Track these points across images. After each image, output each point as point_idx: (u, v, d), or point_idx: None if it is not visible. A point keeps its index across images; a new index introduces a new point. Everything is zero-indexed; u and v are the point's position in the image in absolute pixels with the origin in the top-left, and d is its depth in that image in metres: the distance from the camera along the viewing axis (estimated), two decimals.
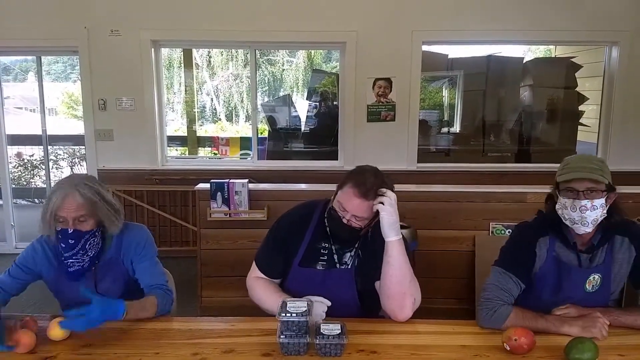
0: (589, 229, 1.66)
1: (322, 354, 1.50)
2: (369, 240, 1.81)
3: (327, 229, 1.83)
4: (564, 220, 1.69)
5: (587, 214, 1.62)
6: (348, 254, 1.84)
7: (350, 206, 1.70)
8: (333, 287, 1.78)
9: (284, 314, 1.51)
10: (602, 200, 1.63)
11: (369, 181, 1.69)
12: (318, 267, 1.83)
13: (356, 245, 1.83)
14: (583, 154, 1.77)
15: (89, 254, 1.78)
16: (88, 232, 1.75)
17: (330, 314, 1.67)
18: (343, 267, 1.83)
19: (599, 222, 1.66)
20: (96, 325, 1.57)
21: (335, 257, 1.84)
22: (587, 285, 1.73)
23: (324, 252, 1.84)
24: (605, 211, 1.65)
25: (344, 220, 1.73)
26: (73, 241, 1.73)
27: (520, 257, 1.76)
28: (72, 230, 1.72)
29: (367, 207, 1.69)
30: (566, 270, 1.74)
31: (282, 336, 1.50)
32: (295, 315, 1.51)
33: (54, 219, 1.71)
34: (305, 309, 1.54)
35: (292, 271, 1.85)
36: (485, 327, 1.67)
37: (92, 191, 1.73)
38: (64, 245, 1.74)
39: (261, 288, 1.84)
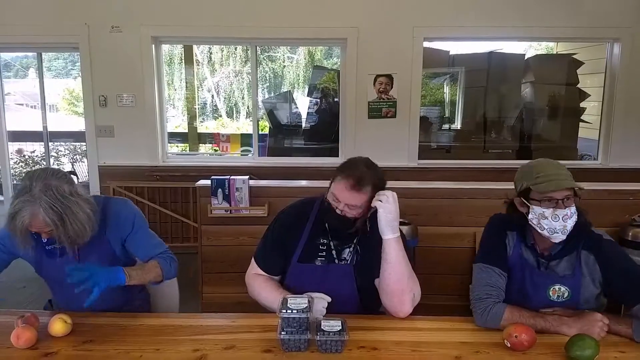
0: (565, 236, 1.65)
1: (323, 350, 1.50)
2: (368, 237, 1.81)
3: (326, 224, 1.83)
4: (540, 230, 1.67)
5: (568, 222, 1.63)
6: (347, 250, 1.84)
7: (343, 196, 1.71)
8: (332, 282, 1.79)
9: (284, 311, 1.51)
10: (575, 207, 1.64)
11: (360, 170, 1.71)
12: (317, 263, 1.84)
13: (355, 241, 1.84)
14: (547, 160, 1.71)
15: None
16: None
17: (330, 310, 1.67)
18: (342, 262, 1.83)
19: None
20: (104, 287, 1.55)
21: (334, 252, 1.84)
22: (550, 293, 1.71)
23: (322, 248, 1.85)
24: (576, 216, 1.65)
25: (338, 211, 1.73)
26: (51, 246, 1.73)
27: (496, 248, 1.78)
28: (46, 239, 1.70)
29: (359, 195, 1.70)
30: (529, 269, 1.75)
31: (282, 332, 1.50)
32: (296, 311, 1.51)
33: (26, 232, 1.61)
34: (306, 305, 1.54)
35: (291, 267, 1.85)
36: (482, 327, 1.67)
37: (56, 207, 1.56)
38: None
39: (260, 285, 1.85)
